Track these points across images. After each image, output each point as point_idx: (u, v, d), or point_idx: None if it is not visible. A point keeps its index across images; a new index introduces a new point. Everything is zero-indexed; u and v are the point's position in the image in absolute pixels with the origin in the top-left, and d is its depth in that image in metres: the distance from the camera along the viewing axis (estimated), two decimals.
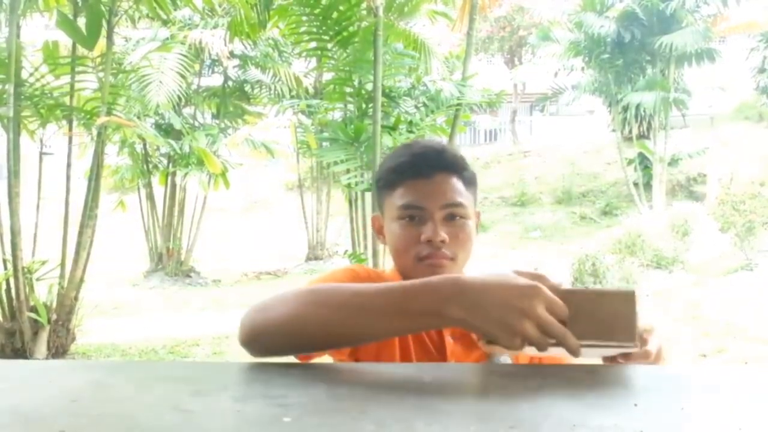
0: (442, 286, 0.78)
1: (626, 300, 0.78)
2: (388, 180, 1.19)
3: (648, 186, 15.09)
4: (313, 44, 6.88)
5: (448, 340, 1.12)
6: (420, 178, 1.15)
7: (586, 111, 21.65)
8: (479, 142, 22.32)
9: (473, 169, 1.24)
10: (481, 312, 0.75)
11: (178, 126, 9.82)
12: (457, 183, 1.16)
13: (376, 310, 0.81)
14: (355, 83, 6.81)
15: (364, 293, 0.83)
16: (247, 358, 0.95)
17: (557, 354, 0.80)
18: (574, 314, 0.77)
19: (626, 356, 0.86)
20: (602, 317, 0.77)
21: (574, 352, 0.76)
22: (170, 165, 10.74)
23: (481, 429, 0.60)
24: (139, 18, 7.69)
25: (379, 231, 1.25)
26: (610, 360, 0.87)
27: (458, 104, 6.56)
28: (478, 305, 0.75)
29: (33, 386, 0.75)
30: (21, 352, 5.49)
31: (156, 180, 11.01)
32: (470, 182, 1.20)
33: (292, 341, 0.86)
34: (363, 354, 1.05)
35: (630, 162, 15.60)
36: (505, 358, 0.94)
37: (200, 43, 9.44)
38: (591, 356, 0.83)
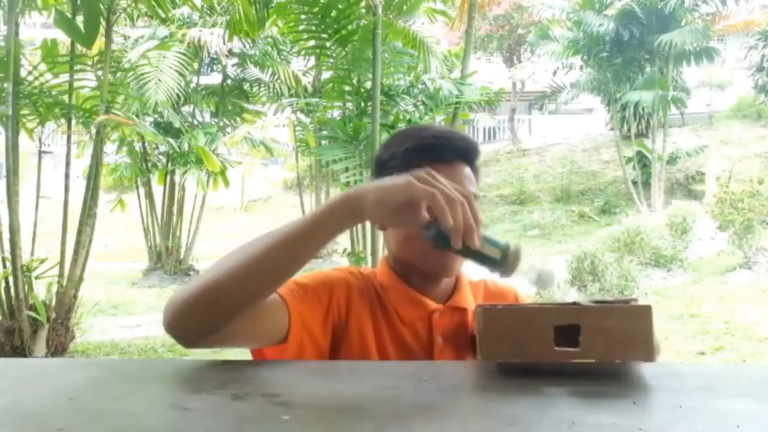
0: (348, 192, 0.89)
1: (642, 315, 0.75)
2: (401, 160, 1.10)
3: (646, 184, 15.09)
4: (312, 42, 6.86)
5: (438, 341, 1.09)
6: (439, 163, 1.07)
7: (585, 109, 21.66)
8: (478, 140, 22.32)
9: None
10: (381, 183, 0.87)
11: (177, 124, 9.80)
12: (470, 173, 1.12)
13: (298, 228, 0.88)
14: (354, 82, 6.80)
15: (280, 227, 0.89)
16: (245, 356, 0.95)
17: None
18: (587, 332, 0.75)
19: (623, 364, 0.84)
20: (616, 334, 0.74)
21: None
22: (169, 163, 10.73)
23: (480, 427, 0.60)
24: (138, 16, 7.67)
25: None
26: None
27: (457, 103, 6.55)
28: (384, 185, 0.87)
29: (32, 384, 0.75)
30: (20, 351, 5.48)
31: (155, 178, 11.00)
32: (478, 173, 1.17)
33: (217, 301, 0.86)
34: (343, 356, 1.05)
35: (629, 160, 15.60)
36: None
37: (199, 41, 9.43)
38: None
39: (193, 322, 0.86)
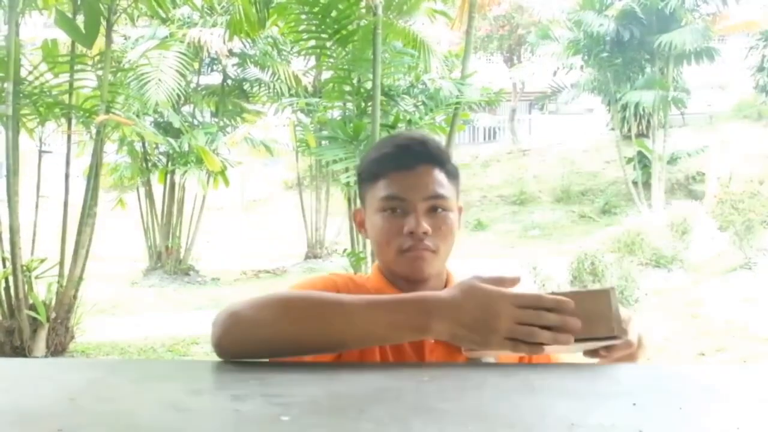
0: (426, 301, 0.86)
1: (602, 297, 0.84)
2: (370, 171, 1.17)
3: (647, 185, 15.10)
4: (312, 42, 6.86)
5: (430, 340, 1.09)
6: (403, 170, 1.13)
7: (585, 109, 21.64)
8: (478, 140, 22.32)
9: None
10: (462, 322, 0.83)
11: (177, 124, 9.81)
12: (439, 175, 1.15)
13: (360, 322, 0.86)
14: (354, 82, 6.80)
15: (347, 304, 0.88)
16: None
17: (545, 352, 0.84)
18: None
19: (609, 348, 0.86)
20: (583, 315, 0.82)
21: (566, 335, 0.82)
22: (169, 163, 10.73)
23: (479, 428, 0.60)
24: (138, 16, 7.67)
25: (360, 224, 1.24)
26: (592, 353, 0.88)
27: (457, 103, 6.55)
28: (458, 317, 0.83)
29: (32, 384, 0.75)
30: (20, 351, 5.49)
31: (155, 178, 11.00)
32: (453, 175, 1.18)
33: (265, 347, 0.87)
34: (346, 358, 1.06)
35: (629, 161, 15.60)
36: (489, 359, 0.95)
37: (199, 41, 9.43)
38: (576, 350, 0.87)
39: (241, 351, 0.88)
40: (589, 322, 0.83)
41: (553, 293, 0.84)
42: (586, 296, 0.86)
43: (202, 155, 9.14)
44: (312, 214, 12.41)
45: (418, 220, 1.11)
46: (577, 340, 0.82)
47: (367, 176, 1.19)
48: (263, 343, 0.87)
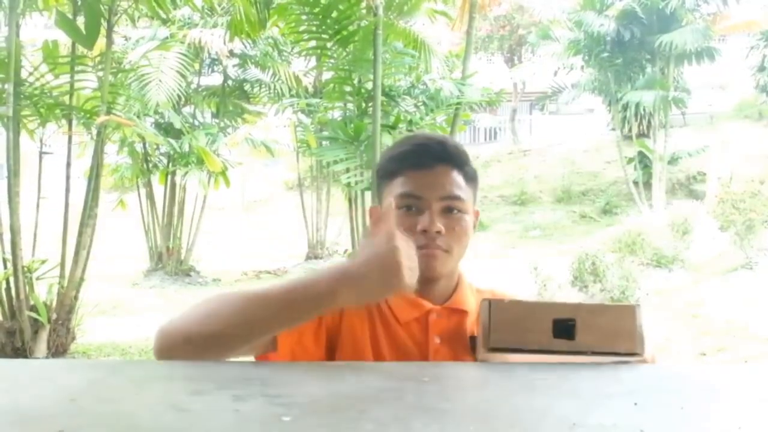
0: (329, 269, 0.92)
1: (628, 313, 0.84)
2: (388, 169, 1.18)
3: (648, 185, 15.08)
4: (313, 43, 6.87)
5: (435, 341, 1.10)
6: (420, 169, 1.13)
7: (586, 110, 21.63)
8: (479, 140, 22.32)
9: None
10: (365, 275, 0.88)
11: (177, 125, 9.80)
12: (457, 177, 1.15)
13: (276, 300, 0.92)
14: (355, 82, 6.80)
15: (265, 288, 0.95)
16: (246, 357, 0.95)
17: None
18: (581, 326, 0.84)
19: (624, 364, 0.86)
20: (606, 328, 0.83)
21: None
22: (170, 164, 10.72)
23: (480, 428, 0.59)
24: (139, 17, 7.67)
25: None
26: None
27: (458, 103, 6.55)
28: (360, 274, 0.89)
29: (33, 385, 0.75)
30: (21, 352, 5.49)
31: (156, 179, 10.99)
32: (471, 178, 1.18)
33: (205, 343, 0.93)
34: (343, 357, 1.06)
35: (630, 161, 15.59)
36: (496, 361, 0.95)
37: (200, 42, 9.43)
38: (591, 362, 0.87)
39: (184, 358, 0.94)
40: (611, 336, 0.83)
41: (579, 305, 0.85)
42: (612, 310, 0.86)
43: (203, 156, 9.13)
44: (313, 214, 12.40)
45: (432, 218, 1.11)
46: (596, 353, 0.82)
47: (384, 174, 1.19)
48: (202, 338, 0.93)
